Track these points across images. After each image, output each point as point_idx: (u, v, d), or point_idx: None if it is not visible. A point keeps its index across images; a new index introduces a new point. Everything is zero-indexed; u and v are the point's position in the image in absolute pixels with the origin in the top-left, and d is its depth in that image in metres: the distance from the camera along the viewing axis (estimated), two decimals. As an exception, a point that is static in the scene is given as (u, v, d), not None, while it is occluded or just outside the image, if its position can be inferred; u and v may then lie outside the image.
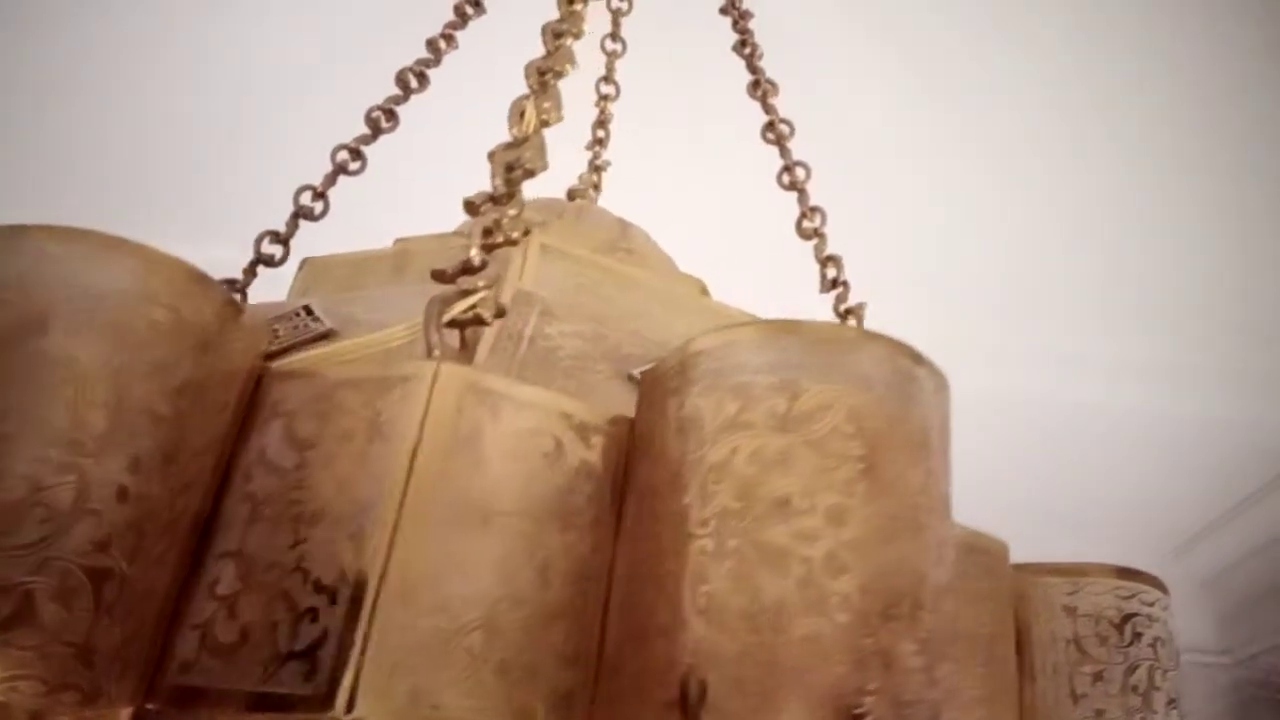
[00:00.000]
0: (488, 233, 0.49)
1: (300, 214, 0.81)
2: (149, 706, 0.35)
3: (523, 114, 0.51)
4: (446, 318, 0.43)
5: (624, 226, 0.88)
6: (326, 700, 0.32)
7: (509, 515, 0.39)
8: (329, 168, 0.80)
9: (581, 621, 0.38)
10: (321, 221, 0.78)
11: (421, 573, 0.36)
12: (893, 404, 0.39)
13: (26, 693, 0.31)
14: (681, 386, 0.40)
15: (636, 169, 1.20)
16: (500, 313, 0.46)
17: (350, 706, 0.33)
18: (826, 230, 0.75)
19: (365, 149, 0.83)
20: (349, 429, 0.40)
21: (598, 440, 0.42)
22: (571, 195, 1.07)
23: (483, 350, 0.50)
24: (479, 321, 0.44)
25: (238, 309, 0.42)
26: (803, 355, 0.39)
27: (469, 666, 0.35)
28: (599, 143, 1.13)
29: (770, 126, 0.82)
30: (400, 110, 0.83)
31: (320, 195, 0.83)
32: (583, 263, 0.72)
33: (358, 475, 0.38)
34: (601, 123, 1.14)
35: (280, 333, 0.53)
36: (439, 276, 0.46)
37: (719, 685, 0.33)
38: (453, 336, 0.45)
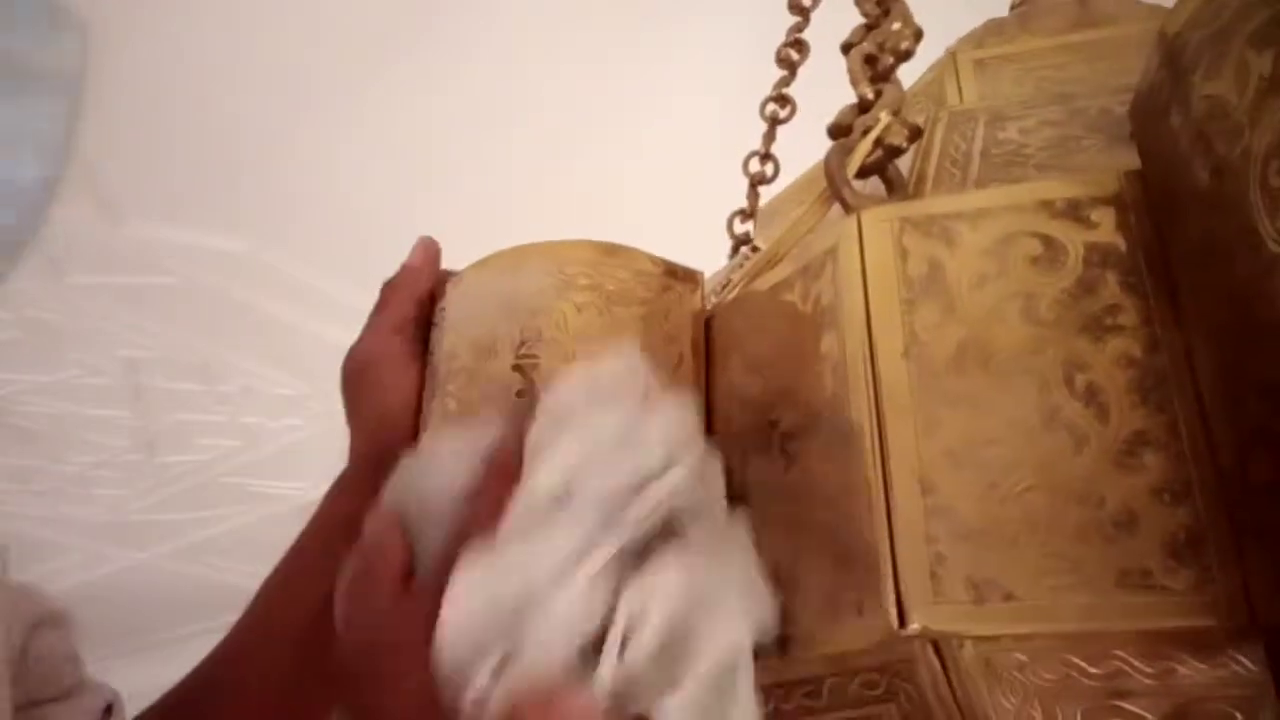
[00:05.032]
0: (870, 60, 0.41)
1: (755, 182, 0.77)
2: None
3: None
4: (852, 168, 0.36)
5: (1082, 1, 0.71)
6: (865, 619, 0.27)
7: (1014, 351, 0.30)
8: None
9: (1172, 443, 0.28)
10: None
11: (930, 452, 0.29)
12: None
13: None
14: (1179, 74, 0.28)
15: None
16: (916, 133, 0.37)
17: (902, 620, 0.27)
18: None
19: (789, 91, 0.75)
20: (796, 333, 0.35)
21: (1103, 213, 0.31)
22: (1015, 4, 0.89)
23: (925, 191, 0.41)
24: (893, 153, 0.37)
25: (664, 265, 0.40)
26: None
27: (1033, 537, 0.27)
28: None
29: None
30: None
31: (766, 157, 0.78)
32: (1036, 55, 0.58)
33: (821, 374, 0.33)
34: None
35: (732, 279, 0.50)
36: (834, 133, 0.39)
37: None
38: (877, 188, 0.38)
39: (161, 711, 0.43)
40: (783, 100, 0.73)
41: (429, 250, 0.44)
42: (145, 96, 1.31)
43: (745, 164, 0.75)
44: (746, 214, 0.68)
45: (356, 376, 0.41)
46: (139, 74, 1.17)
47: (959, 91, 0.55)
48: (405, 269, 0.43)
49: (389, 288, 0.43)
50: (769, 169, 0.70)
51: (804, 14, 0.69)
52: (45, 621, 0.41)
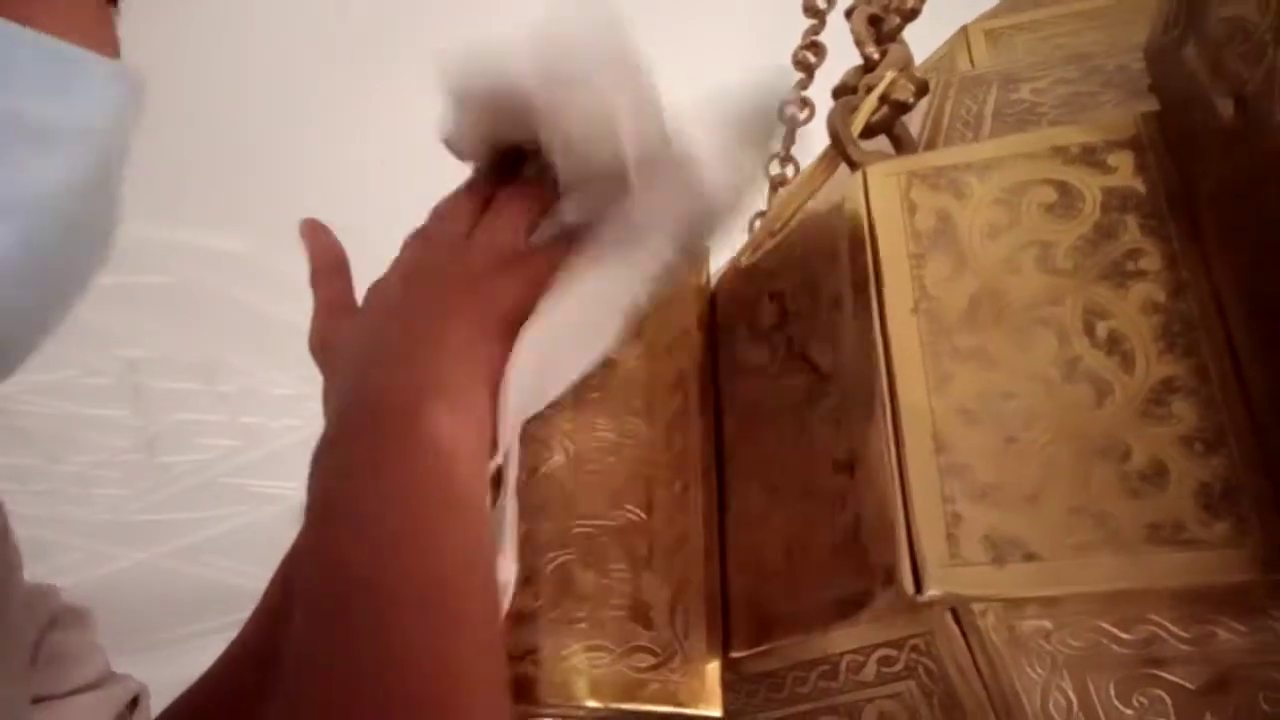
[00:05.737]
0: (875, 21, 0.39)
1: (775, 184, 0.73)
2: (734, 655, 0.31)
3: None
4: (857, 126, 0.34)
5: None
6: (879, 587, 0.25)
7: (1030, 301, 0.28)
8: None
9: (1203, 389, 0.26)
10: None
11: (944, 409, 0.28)
12: None
13: (600, 664, 0.30)
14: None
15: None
16: (923, 89, 0.36)
17: (919, 585, 0.25)
18: None
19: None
20: (810, 298, 0.33)
21: (1121, 156, 0.30)
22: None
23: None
24: (900, 109, 0.35)
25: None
26: None
27: (1055, 493, 0.25)
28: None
29: None
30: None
31: (786, 159, 0.74)
32: (1051, 23, 0.57)
33: (829, 336, 0.31)
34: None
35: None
36: (839, 94, 0.38)
37: None
38: (883, 147, 0.37)
39: (178, 713, 0.42)
40: (801, 103, 0.70)
41: (314, 229, 0.42)
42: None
43: (765, 166, 0.72)
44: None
45: (320, 367, 0.39)
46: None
47: (971, 63, 0.53)
48: (310, 258, 0.41)
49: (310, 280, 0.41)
50: (789, 171, 0.68)
51: (819, 16, 0.67)
52: (60, 619, 0.40)
